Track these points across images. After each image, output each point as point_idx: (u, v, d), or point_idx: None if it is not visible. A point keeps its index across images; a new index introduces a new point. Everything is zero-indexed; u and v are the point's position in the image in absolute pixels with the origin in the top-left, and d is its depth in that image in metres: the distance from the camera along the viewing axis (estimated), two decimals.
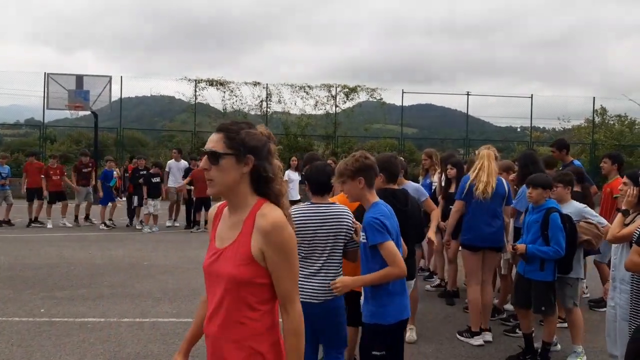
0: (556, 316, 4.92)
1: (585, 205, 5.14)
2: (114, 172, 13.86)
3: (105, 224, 13.16)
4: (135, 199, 13.25)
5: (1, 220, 13.15)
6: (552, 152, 7.63)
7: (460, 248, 6.09)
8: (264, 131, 2.01)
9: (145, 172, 13.10)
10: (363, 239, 3.17)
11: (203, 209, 12.87)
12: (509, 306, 6.30)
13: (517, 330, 5.60)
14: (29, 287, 7.21)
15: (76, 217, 13.55)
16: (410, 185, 5.18)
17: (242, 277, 1.90)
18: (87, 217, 13.80)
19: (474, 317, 5.48)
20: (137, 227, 13.18)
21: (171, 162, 14.13)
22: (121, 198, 14.61)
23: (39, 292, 6.94)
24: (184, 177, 13.20)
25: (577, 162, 7.59)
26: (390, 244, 3.04)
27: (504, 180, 5.65)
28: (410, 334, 5.20)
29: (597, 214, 5.26)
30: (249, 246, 1.91)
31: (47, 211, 13.33)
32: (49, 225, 13.09)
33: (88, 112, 20.49)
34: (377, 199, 3.26)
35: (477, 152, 5.81)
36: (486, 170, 5.39)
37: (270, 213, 1.92)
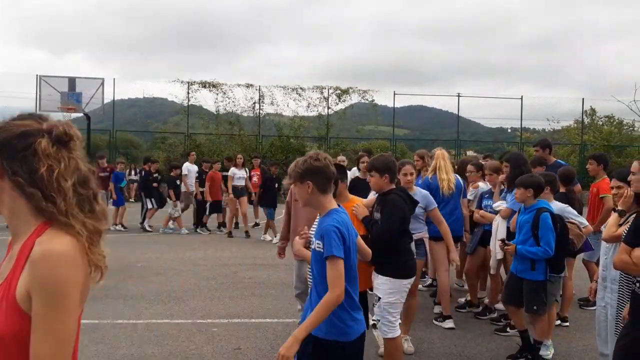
0: (546, 316, 4.97)
1: (567, 205, 5.21)
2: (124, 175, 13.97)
3: (123, 225, 13.24)
4: (149, 201, 13.30)
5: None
6: (535, 151, 7.71)
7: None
8: (50, 125, 1.44)
9: (157, 175, 13.18)
10: (318, 247, 2.84)
11: (208, 212, 13.07)
12: (500, 305, 6.36)
13: (508, 330, 5.67)
14: None
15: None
16: (419, 193, 5.11)
17: (1, 332, 1.33)
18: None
19: (445, 302, 5.97)
20: (148, 229, 13.24)
21: (188, 165, 13.97)
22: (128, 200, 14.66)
23: None
24: (197, 179, 13.36)
25: (561, 162, 7.69)
26: (341, 263, 2.73)
27: (457, 176, 6.39)
28: (407, 345, 5.09)
29: (579, 214, 5.34)
30: (16, 287, 1.34)
31: None
32: None
33: (80, 115, 20.46)
34: (334, 205, 2.94)
35: (432, 152, 6.49)
36: (443, 169, 6.06)
37: (49, 241, 1.35)
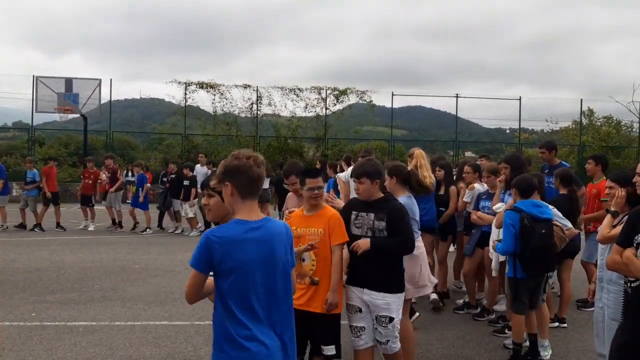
0: (521, 316, 4.91)
1: (553, 207, 5.17)
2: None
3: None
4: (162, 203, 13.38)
5: (20, 224, 13.13)
6: (541, 153, 7.72)
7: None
8: None
9: (174, 176, 13.29)
10: None
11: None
12: (498, 307, 6.37)
13: (507, 331, 5.66)
14: (19, 291, 7.18)
15: (120, 222, 13.55)
16: (403, 198, 4.68)
17: None
18: (114, 222, 13.65)
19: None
20: (169, 231, 13.28)
21: (198, 167, 13.93)
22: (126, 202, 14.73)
23: (30, 296, 6.92)
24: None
25: (565, 163, 7.70)
26: (197, 276, 2.45)
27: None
28: None
29: (564, 217, 5.28)
30: None
31: (85, 213, 13.63)
32: (91, 228, 13.40)
33: (77, 115, 20.44)
34: (246, 216, 2.53)
35: (410, 152, 6.79)
36: (424, 167, 6.37)
37: None
